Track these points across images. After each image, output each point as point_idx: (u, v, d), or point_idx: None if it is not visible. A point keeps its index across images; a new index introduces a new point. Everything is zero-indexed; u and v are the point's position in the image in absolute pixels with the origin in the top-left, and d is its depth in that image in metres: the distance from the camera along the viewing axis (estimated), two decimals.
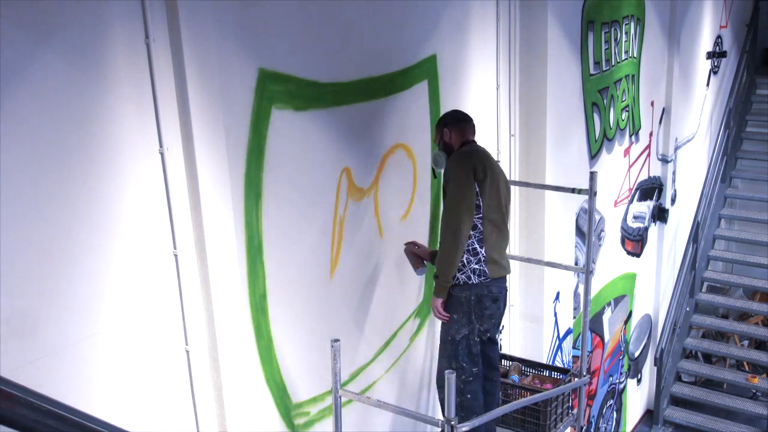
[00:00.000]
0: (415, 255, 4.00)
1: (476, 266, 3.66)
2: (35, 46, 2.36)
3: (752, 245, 9.03)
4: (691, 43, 8.17)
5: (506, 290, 3.89)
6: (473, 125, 3.88)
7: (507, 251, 3.95)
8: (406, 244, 4.02)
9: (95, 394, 2.64)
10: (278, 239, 3.30)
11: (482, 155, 3.72)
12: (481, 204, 3.63)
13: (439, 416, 3.72)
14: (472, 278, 3.66)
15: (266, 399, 3.36)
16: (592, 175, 4.12)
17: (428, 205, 4.33)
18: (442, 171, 3.80)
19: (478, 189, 3.61)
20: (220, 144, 2.90)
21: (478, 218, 3.64)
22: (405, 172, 4.11)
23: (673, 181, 8.28)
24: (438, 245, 3.74)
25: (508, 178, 5.03)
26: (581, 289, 5.82)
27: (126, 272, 2.72)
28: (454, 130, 3.80)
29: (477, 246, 3.66)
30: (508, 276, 3.90)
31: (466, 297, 3.68)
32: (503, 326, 5.31)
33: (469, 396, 3.73)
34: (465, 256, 3.64)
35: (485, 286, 3.69)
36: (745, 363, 9.08)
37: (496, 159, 3.88)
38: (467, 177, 3.59)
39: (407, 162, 4.11)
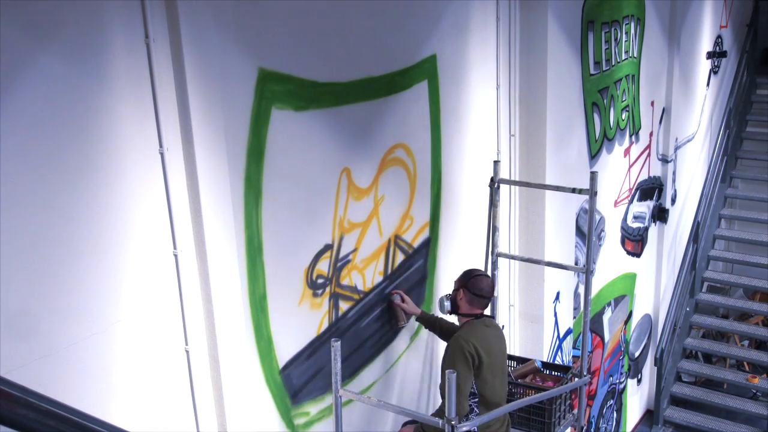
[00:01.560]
0: (400, 308, 4.06)
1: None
2: (35, 46, 2.36)
3: (752, 245, 9.03)
4: (691, 43, 8.17)
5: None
6: (488, 302, 3.92)
7: (506, 250, 3.97)
8: (391, 295, 4.04)
9: (95, 394, 2.64)
10: (278, 239, 3.30)
11: (483, 339, 3.72)
12: (476, 391, 3.71)
13: None
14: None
15: (266, 399, 3.36)
16: (593, 175, 4.12)
17: (428, 204, 4.33)
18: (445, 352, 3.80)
19: (474, 377, 3.67)
20: (220, 144, 2.90)
21: (473, 402, 3.72)
22: (405, 172, 4.11)
23: (673, 181, 8.28)
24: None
25: (510, 177, 5.06)
26: (581, 289, 5.82)
27: (126, 272, 2.71)
28: (466, 299, 3.84)
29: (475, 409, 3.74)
30: None
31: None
32: (503, 326, 5.31)
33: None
34: None
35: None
36: (745, 363, 9.08)
37: (498, 328, 3.96)
38: (466, 367, 3.62)
39: (407, 161, 4.11)
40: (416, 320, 4.19)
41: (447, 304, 3.93)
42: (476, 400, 3.72)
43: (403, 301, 4.06)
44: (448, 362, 3.69)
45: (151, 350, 2.85)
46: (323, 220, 3.55)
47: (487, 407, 3.72)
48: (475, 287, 3.83)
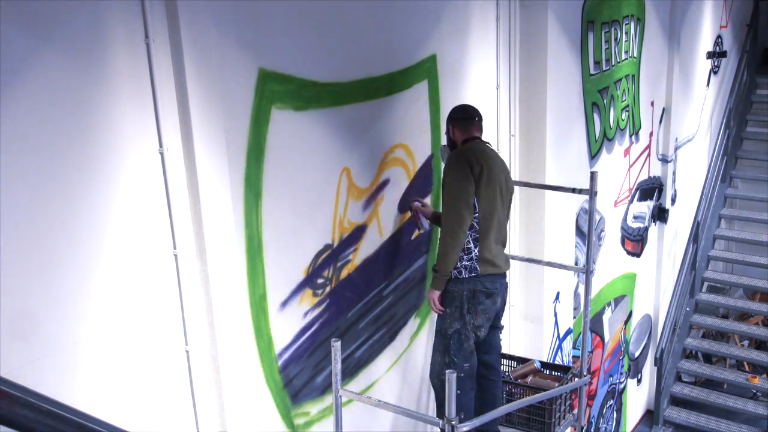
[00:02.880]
0: (421, 212, 4.09)
1: (467, 263, 3.71)
2: (35, 46, 2.36)
3: (752, 245, 9.03)
4: (691, 43, 8.17)
5: (504, 286, 3.91)
6: (479, 122, 3.89)
7: (506, 249, 3.95)
8: (412, 202, 4.07)
9: (95, 394, 2.64)
10: (278, 239, 3.30)
11: (482, 152, 3.73)
12: (477, 203, 3.67)
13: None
14: (464, 273, 3.71)
15: (266, 399, 3.36)
16: (593, 175, 4.12)
17: (428, 204, 4.33)
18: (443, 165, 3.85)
19: (475, 187, 3.64)
20: (220, 144, 2.90)
21: (474, 217, 3.68)
22: (405, 172, 4.11)
23: (673, 181, 8.28)
24: (441, 226, 3.77)
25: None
26: (581, 289, 5.82)
27: (126, 272, 2.71)
28: (457, 127, 3.84)
29: (471, 245, 3.71)
30: (507, 272, 3.92)
31: (458, 291, 3.73)
32: (503, 325, 5.31)
33: (458, 392, 3.71)
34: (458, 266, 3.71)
35: (478, 281, 3.73)
36: (745, 363, 9.08)
37: (500, 156, 3.92)
38: (465, 174, 3.63)
39: (407, 161, 4.11)
40: (432, 221, 4.13)
41: (446, 148, 3.97)
42: (476, 215, 3.69)
43: (422, 205, 4.07)
44: (446, 175, 3.72)
45: (151, 350, 2.85)
46: (323, 220, 3.55)
47: (487, 224, 3.71)
48: (457, 112, 3.89)
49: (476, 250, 3.71)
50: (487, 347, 3.98)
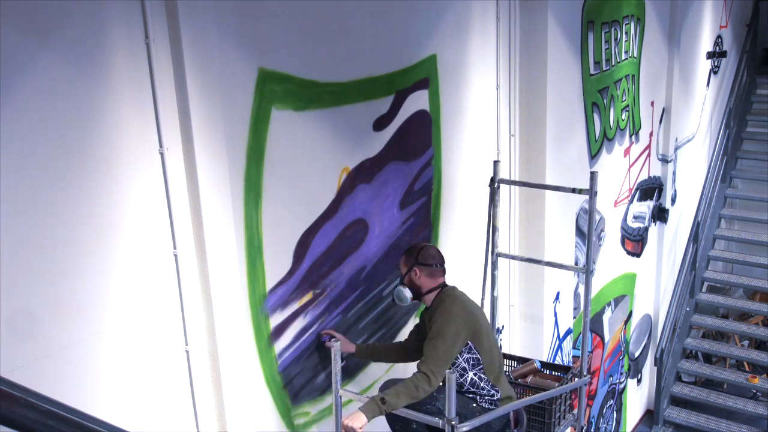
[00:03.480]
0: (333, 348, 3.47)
1: (488, 405, 3.57)
2: (35, 46, 2.36)
3: (752, 245, 9.03)
4: (691, 43, 8.17)
5: None
6: (445, 269, 3.65)
7: (506, 249, 3.92)
8: (323, 338, 3.61)
9: (95, 394, 2.64)
10: (278, 239, 3.30)
11: (467, 302, 3.55)
12: (480, 358, 3.51)
13: None
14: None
15: (266, 399, 3.36)
16: (593, 175, 4.12)
17: (429, 203, 4.33)
18: (437, 307, 3.52)
19: (473, 344, 3.47)
20: (220, 144, 2.90)
21: (479, 371, 3.52)
22: (405, 171, 4.10)
23: (673, 181, 8.28)
24: (422, 361, 3.41)
25: (510, 177, 5.06)
26: (581, 289, 5.81)
27: (126, 272, 2.72)
28: (424, 274, 3.57)
29: (488, 388, 3.56)
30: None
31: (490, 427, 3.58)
32: (503, 326, 5.32)
33: None
34: (481, 403, 3.57)
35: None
36: (745, 363, 9.08)
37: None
38: (465, 332, 3.43)
39: (407, 161, 4.10)
40: (355, 357, 3.78)
41: (406, 291, 3.58)
42: (481, 367, 3.53)
43: (332, 338, 3.61)
44: (443, 323, 3.40)
45: (151, 350, 2.85)
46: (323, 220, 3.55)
47: (493, 373, 3.56)
48: (428, 258, 3.57)
49: (498, 394, 3.59)
50: None
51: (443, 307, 3.50)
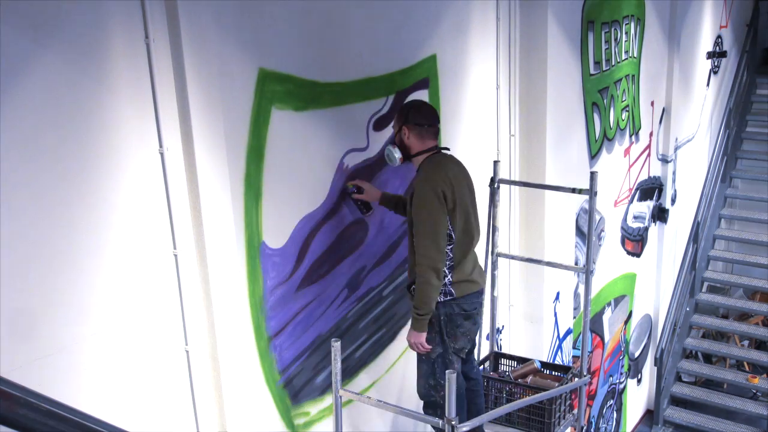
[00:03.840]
0: (360, 200, 3.63)
1: (442, 288, 3.45)
2: (35, 46, 2.36)
3: (752, 245, 9.04)
4: (691, 43, 8.17)
5: (480, 304, 3.66)
6: (437, 128, 3.51)
7: (506, 250, 3.91)
8: (349, 189, 3.55)
9: (95, 394, 2.64)
10: (278, 239, 3.30)
11: (449, 174, 3.38)
12: (453, 232, 3.42)
13: None
14: (439, 297, 3.45)
15: (266, 399, 3.36)
16: (593, 175, 4.12)
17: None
18: (412, 190, 3.42)
19: (449, 217, 3.36)
20: (220, 144, 2.90)
21: (449, 246, 3.42)
22: (405, 172, 4.11)
23: (673, 181, 8.28)
24: (416, 262, 3.39)
25: (510, 177, 5.06)
26: (581, 289, 5.81)
27: (126, 272, 2.72)
28: (414, 132, 3.42)
29: (446, 272, 3.45)
30: (482, 289, 3.68)
31: (435, 316, 3.48)
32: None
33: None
34: None
35: (455, 305, 3.49)
36: (745, 363, 9.08)
37: (460, 163, 3.57)
38: (440, 208, 3.30)
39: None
40: (381, 204, 3.72)
41: (395, 151, 3.44)
42: (450, 245, 3.41)
43: (360, 191, 3.59)
44: (417, 207, 3.31)
45: (151, 350, 2.85)
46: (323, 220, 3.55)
47: (462, 250, 3.45)
48: (418, 116, 3.40)
49: (450, 275, 3.46)
50: (464, 361, 3.80)
51: (418, 178, 3.39)
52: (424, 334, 3.45)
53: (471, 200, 3.53)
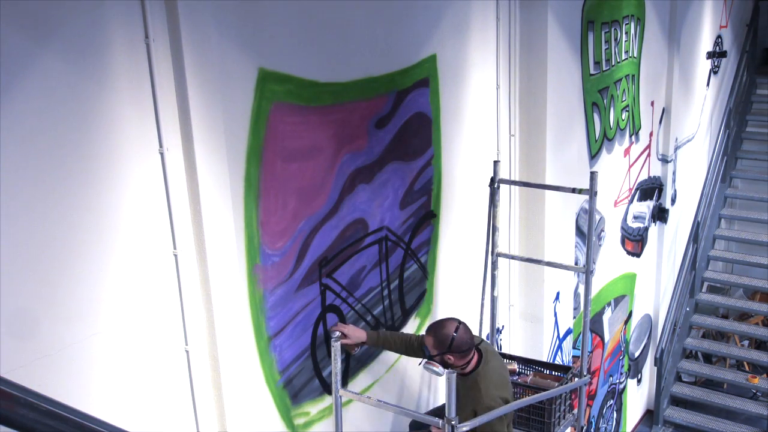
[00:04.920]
0: (345, 344, 3.58)
1: None
2: (35, 46, 2.36)
3: (752, 245, 9.04)
4: (691, 43, 8.17)
5: None
6: (475, 343, 3.60)
7: (507, 250, 3.90)
8: (333, 336, 3.47)
9: (95, 394, 2.64)
10: (278, 239, 3.30)
11: (498, 382, 3.59)
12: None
13: None
14: None
15: (266, 399, 3.36)
16: (593, 175, 4.12)
17: (429, 203, 4.33)
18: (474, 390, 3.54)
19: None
20: (220, 144, 2.90)
21: None
22: (405, 170, 4.10)
23: (673, 181, 8.28)
24: None
25: (510, 177, 5.06)
26: (581, 289, 5.81)
27: (126, 272, 2.71)
28: (457, 357, 3.52)
29: None
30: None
31: None
32: (503, 326, 5.31)
33: None
34: None
35: None
36: (745, 363, 9.08)
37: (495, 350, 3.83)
38: (501, 425, 3.57)
39: (408, 160, 4.10)
40: (366, 344, 3.72)
41: (438, 368, 3.46)
42: None
43: (344, 336, 3.56)
44: (483, 407, 3.47)
45: (151, 350, 2.85)
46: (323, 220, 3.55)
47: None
48: (461, 346, 3.49)
49: None
50: None
51: (479, 390, 3.51)
52: None
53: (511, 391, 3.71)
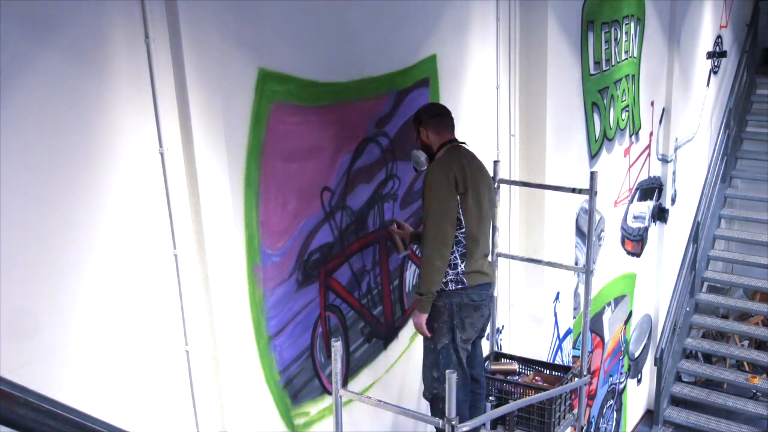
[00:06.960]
0: (398, 236, 3.87)
1: (453, 277, 3.51)
2: (35, 46, 2.36)
3: (752, 245, 9.04)
4: (691, 43, 8.17)
5: (490, 297, 3.73)
6: (451, 120, 3.63)
7: (507, 250, 3.92)
8: (389, 224, 3.87)
9: (95, 394, 2.64)
10: (278, 239, 3.30)
11: (463, 162, 3.47)
12: (463, 218, 3.46)
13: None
14: (450, 285, 3.51)
15: (266, 399, 3.36)
16: (593, 175, 4.12)
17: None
18: (423, 177, 3.58)
19: (459, 202, 3.43)
20: (220, 144, 2.90)
21: (460, 233, 3.48)
22: (404, 172, 4.10)
23: (673, 181, 8.28)
24: (421, 245, 3.53)
25: (510, 177, 5.06)
26: (581, 289, 5.82)
27: (126, 272, 2.71)
28: (430, 129, 3.55)
29: (458, 260, 3.51)
30: (493, 282, 3.75)
31: (445, 305, 3.53)
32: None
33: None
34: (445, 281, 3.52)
35: (465, 294, 3.54)
36: (745, 363, 9.08)
37: (478, 158, 3.66)
38: (448, 191, 3.38)
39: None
40: (413, 242, 3.89)
41: (420, 154, 3.59)
42: (462, 230, 3.48)
43: (399, 227, 3.83)
44: (427, 189, 3.41)
45: (151, 350, 2.85)
46: (323, 220, 3.55)
47: (473, 239, 3.51)
48: (430, 111, 3.59)
49: (462, 265, 3.52)
50: (470, 360, 3.81)
51: (432, 163, 3.51)
52: (425, 317, 3.52)
53: (487, 192, 3.59)
